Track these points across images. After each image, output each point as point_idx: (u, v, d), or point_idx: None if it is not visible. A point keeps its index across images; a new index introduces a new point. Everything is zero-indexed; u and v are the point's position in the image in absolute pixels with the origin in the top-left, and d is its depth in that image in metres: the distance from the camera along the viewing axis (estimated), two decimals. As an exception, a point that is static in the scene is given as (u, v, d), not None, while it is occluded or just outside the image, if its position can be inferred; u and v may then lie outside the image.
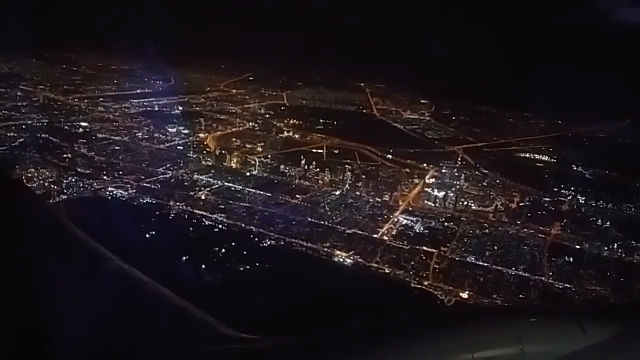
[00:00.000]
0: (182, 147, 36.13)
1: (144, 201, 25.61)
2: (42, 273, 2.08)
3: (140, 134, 37.16)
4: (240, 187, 30.05)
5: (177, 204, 25.84)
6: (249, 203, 27.80)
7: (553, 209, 31.56)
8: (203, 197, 27.64)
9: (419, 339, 1.78)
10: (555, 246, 26.50)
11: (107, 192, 26.20)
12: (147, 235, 21.27)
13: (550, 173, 38.45)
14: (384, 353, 1.73)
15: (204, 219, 24.76)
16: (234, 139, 40.63)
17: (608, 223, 29.22)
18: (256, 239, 23.57)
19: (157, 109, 45.58)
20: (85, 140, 32.93)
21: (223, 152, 36.14)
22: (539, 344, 1.76)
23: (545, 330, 1.84)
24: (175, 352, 1.69)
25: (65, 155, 30.41)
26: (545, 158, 42.47)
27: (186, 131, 40.05)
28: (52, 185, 26.14)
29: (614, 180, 35.47)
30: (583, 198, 32.85)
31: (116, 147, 32.90)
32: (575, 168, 38.66)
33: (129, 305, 2.10)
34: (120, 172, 28.62)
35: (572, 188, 34.12)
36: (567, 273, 23.78)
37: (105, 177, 27.58)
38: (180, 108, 47.64)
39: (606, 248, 26.21)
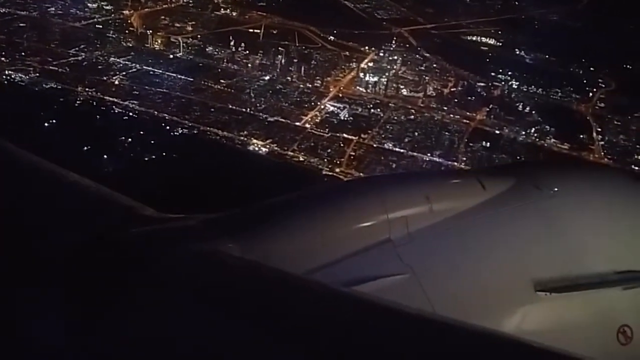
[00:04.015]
0: (101, 26, 32.98)
1: (47, 86, 23.81)
2: None
3: (54, 9, 33.38)
4: (160, 71, 28.27)
5: (86, 89, 24.23)
6: (166, 89, 26.39)
7: (484, 94, 31.40)
8: (116, 83, 25.98)
9: (338, 203, 1.87)
10: (477, 132, 26.83)
11: (3, 77, 24.11)
12: (46, 124, 20.15)
13: (492, 57, 37.62)
14: (307, 218, 1.80)
15: (113, 107, 23.51)
16: (162, 17, 37.29)
17: (533, 108, 29.49)
18: (168, 127, 22.78)
19: (77, -20, 40.62)
20: (-18, 15, 29.58)
21: (147, 31, 33.38)
22: (445, 201, 1.92)
23: (450, 188, 2.05)
24: (98, 236, 1.60)
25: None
26: (492, 41, 41.20)
27: (109, 7, 36.27)
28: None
29: (551, 65, 35.10)
30: (517, 83, 32.65)
31: (21, 24, 29.63)
32: (518, 52, 37.83)
33: (35, 191, 1.95)
34: (23, 54, 26.12)
35: (510, 73, 33.70)
36: (480, 158, 24.42)
37: (2, 59, 25.18)
38: (107, -20, 42.66)
39: (523, 133, 26.75)
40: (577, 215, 2.07)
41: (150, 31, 33.17)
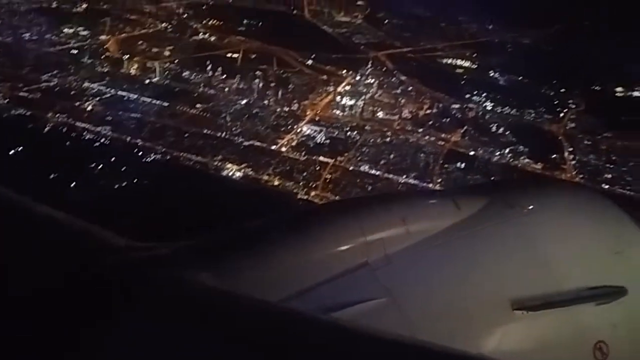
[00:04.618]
0: (76, 51, 32.83)
1: (16, 113, 23.41)
2: None
3: (28, 34, 33.20)
4: (135, 97, 28.08)
5: (57, 115, 23.88)
6: (141, 114, 26.16)
7: (459, 116, 31.86)
8: (89, 108, 25.69)
9: (314, 227, 1.87)
10: (451, 153, 27.06)
11: (-30, 103, 23.72)
12: (12, 152, 19.70)
13: (467, 79, 38.36)
14: (282, 243, 1.79)
15: (85, 132, 23.16)
16: (140, 42, 37.31)
17: (507, 129, 29.96)
18: (140, 153, 22.49)
19: (54, 6, 40.52)
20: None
21: (123, 56, 33.32)
22: (421, 222, 1.94)
23: (425, 209, 2.05)
24: (72, 268, 1.57)
25: None
26: (467, 64, 42.07)
27: (85, 32, 36.23)
28: None
29: (524, 87, 35.92)
30: (491, 104, 33.23)
31: (-7, 50, 29.42)
32: (492, 74, 38.66)
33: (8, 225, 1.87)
34: (-7, 80, 25.83)
35: (484, 94, 34.36)
36: (455, 179, 24.57)
37: (-29, 86, 24.83)
38: (84, 6, 42.54)
39: (497, 153, 27.08)
40: (550, 233, 2.09)
41: (127, 56, 33.13)
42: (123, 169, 20.91)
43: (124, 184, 20.03)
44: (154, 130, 24.67)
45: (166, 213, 18.70)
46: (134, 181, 20.35)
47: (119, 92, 28.09)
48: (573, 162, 26.91)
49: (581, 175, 25.20)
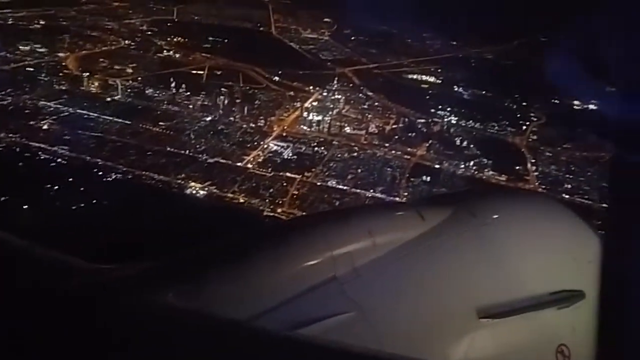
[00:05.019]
0: (32, 69, 31.72)
1: (-35, 134, 22.33)
2: None
3: (-20, 53, 32.03)
4: (95, 115, 27.21)
5: (9, 135, 22.83)
6: (101, 133, 25.30)
7: (425, 130, 32.28)
8: (45, 127, 24.66)
9: (280, 243, 1.85)
10: (417, 167, 27.31)
11: None
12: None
13: (432, 94, 39.09)
14: (248, 261, 1.77)
15: (40, 153, 22.20)
16: (101, 60, 36.47)
17: (471, 142, 30.46)
18: (100, 173, 21.68)
19: (10, 22, 39.27)
20: None
21: (83, 74, 32.42)
22: (387, 234, 1.97)
23: (391, 221, 2.07)
24: (28, 295, 1.46)
25: None
26: (432, 79, 42.94)
27: (43, 49, 35.16)
28: None
29: (487, 100, 36.80)
30: (455, 118, 33.83)
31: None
32: (456, 89, 39.51)
33: None
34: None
35: (449, 109, 35.00)
36: (421, 192, 24.71)
37: None
38: (42, 22, 41.39)
39: (462, 166, 27.45)
40: (512, 241, 2.13)
41: (87, 74, 32.25)
42: (81, 190, 20.05)
43: (81, 205, 19.15)
44: (114, 149, 23.85)
45: (127, 234, 18.00)
46: (93, 202, 19.50)
47: (78, 111, 27.17)
48: (536, 173, 27.53)
49: (543, 186, 25.75)
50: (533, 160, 28.65)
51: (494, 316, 1.89)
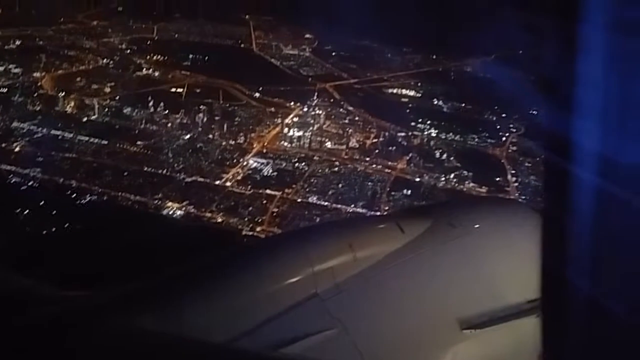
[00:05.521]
0: (5, 90, 31.19)
1: None
2: None
3: (-48, 75, 31.38)
4: (71, 136, 26.71)
5: (-21, 159, 22.27)
6: (76, 154, 24.81)
7: (405, 143, 32.38)
8: (17, 149, 24.09)
9: (260, 262, 1.87)
10: (398, 180, 27.32)
11: None
12: None
13: (412, 108, 39.34)
14: (227, 281, 1.74)
15: (11, 176, 21.61)
16: (78, 79, 35.97)
17: (451, 155, 30.60)
18: (74, 195, 21.16)
19: (-17, 43, 38.72)
20: None
21: (59, 94, 31.91)
22: (368, 248, 1.97)
23: (371, 234, 2.11)
24: None
25: None
26: (412, 93, 43.28)
27: (17, 70, 34.60)
28: None
29: (467, 113, 37.12)
30: (435, 131, 34.03)
31: None
32: (436, 102, 39.82)
33: None
34: None
35: (428, 122, 35.22)
36: (402, 206, 24.64)
37: None
38: (17, 43, 40.79)
39: (443, 179, 27.51)
40: (491, 250, 2.13)
41: (63, 94, 31.77)
42: (53, 213, 19.50)
43: (53, 230, 18.60)
44: (89, 171, 23.37)
45: (101, 258, 17.56)
46: (66, 225, 18.97)
47: (52, 132, 26.64)
48: (516, 184, 27.68)
49: (524, 197, 25.88)
50: (513, 171, 28.85)
51: (476, 326, 1.89)
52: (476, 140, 32.96)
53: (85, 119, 29.45)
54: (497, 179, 28.36)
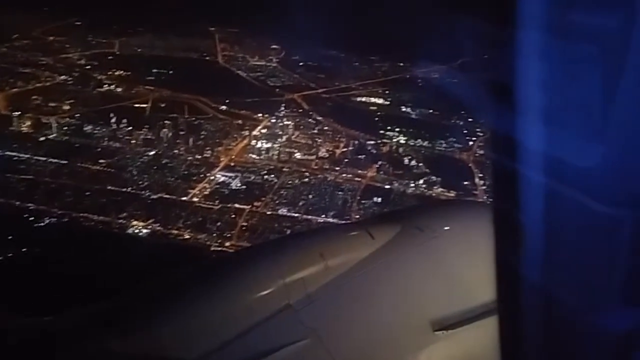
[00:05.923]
0: (-45, 112, 29.74)
1: None
2: None
3: None
4: (27, 156, 25.60)
5: None
6: (33, 175, 23.77)
7: (374, 151, 32.44)
8: (-31, 173, 22.96)
9: (233, 275, 1.87)
10: (368, 188, 27.29)
11: None
12: None
13: (380, 116, 39.61)
14: (196, 298, 1.73)
15: (-38, 201, 20.50)
16: (34, 97, 34.62)
17: (420, 161, 30.79)
18: (32, 218, 20.17)
19: None
20: None
21: (13, 113, 30.61)
22: (339, 256, 2.00)
23: (342, 243, 2.14)
24: None
25: None
26: (380, 101, 43.63)
27: (-33, 90, 33.12)
28: None
29: (435, 119, 37.52)
30: (404, 138, 34.22)
31: None
32: (404, 109, 40.16)
33: None
34: None
35: (397, 129, 35.43)
36: (372, 213, 24.51)
37: None
38: (-32, 61, 39.20)
39: (412, 185, 27.61)
40: (459, 251, 2.14)
41: (17, 113, 30.46)
42: (9, 238, 18.49)
43: (9, 255, 17.63)
44: (48, 192, 22.38)
45: (62, 282, 16.68)
46: (23, 250, 18.01)
47: (7, 153, 25.48)
48: (484, 187, 27.99)
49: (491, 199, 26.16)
50: (480, 175, 29.19)
51: (448, 327, 1.91)
52: (444, 145, 33.35)
53: (42, 139, 28.29)
54: (465, 182, 28.67)
